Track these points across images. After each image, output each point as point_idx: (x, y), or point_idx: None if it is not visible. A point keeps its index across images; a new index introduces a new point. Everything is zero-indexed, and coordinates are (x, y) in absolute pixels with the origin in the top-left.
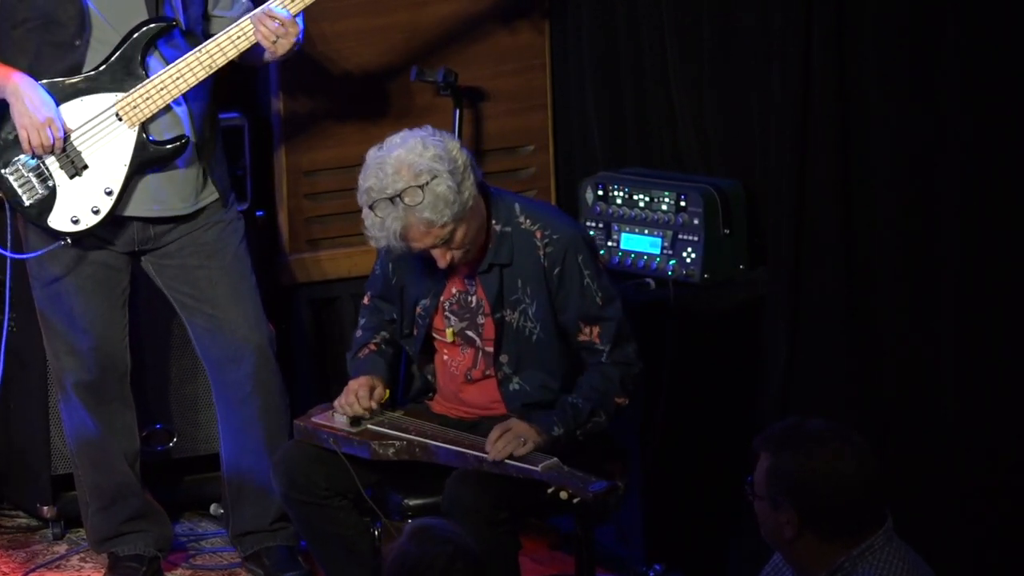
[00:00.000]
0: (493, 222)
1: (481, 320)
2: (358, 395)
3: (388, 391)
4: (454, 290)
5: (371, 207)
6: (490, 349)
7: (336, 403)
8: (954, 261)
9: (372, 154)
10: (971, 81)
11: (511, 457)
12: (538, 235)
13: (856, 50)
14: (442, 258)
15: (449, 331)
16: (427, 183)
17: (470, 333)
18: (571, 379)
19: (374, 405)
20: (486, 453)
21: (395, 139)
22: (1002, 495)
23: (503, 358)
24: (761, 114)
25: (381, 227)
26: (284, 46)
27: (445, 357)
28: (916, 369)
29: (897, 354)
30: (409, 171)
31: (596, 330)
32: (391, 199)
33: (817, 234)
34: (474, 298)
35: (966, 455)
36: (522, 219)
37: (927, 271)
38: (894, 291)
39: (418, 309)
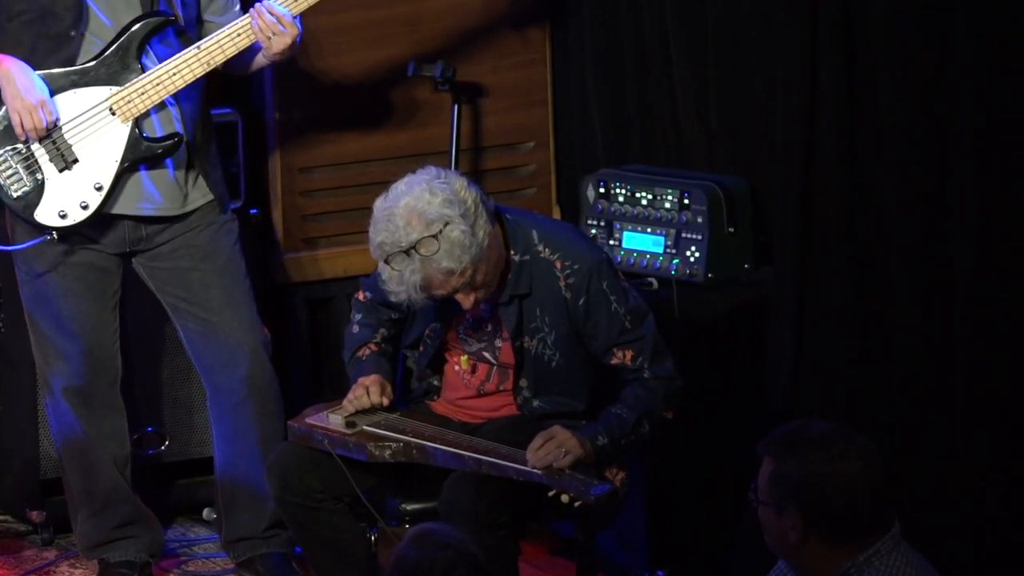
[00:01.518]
0: (511, 252)
1: (499, 344)
2: (369, 390)
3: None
4: (468, 316)
5: (387, 261)
6: (506, 368)
7: (345, 400)
8: (965, 260)
9: (379, 205)
10: (983, 76)
11: (551, 469)
12: (558, 265)
13: (864, 44)
14: (466, 300)
15: (463, 358)
16: (440, 231)
17: (486, 355)
18: (594, 400)
19: (385, 401)
20: (483, 456)
21: (400, 186)
22: (1013, 499)
23: (523, 383)
24: (767, 109)
25: (400, 280)
26: (279, 44)
27: (456, 368)
28: (925, 371)
29: (906, 356)
30: (420, 220)
31: (629, 353)
32: (406, 252)
33: (824, 233)
34: (490, 323)
35: (976, 458)
36: (540, 247)
37: (937, 271)
38: (903, 291)
39: (427, 331)
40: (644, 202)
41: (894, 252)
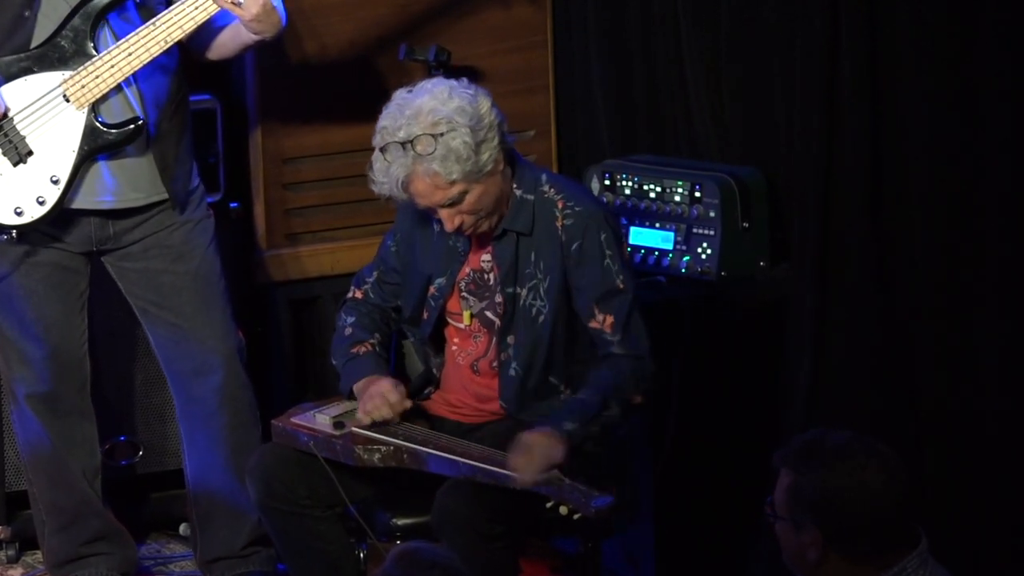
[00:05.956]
0: (515, 186)
1: (499, 299)
2: (390, 400)
3: None
4: (469, 269)
5: (382, 149)
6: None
7: (360, 412)
8: (995, 259)
9: (398, 94)
10: (1016, 64)
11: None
12: (560, 204)
13: (888, 23)
14: (449, 220)
15: (466, 313)
16: (442, 133)
17: (489, 314)
18: (570, 371)
19: (396, 419)
20: (478, 463)
21: (426, 84)
22: None
23: (509, 339)
24: (784, 95)
25: (387, 172)
26: (251, 7)
27: (454, 347)
28: (953, 376)
29: (932, 359)
30: (428, 118)
31: (610, 319)
32: (403, 144)
33: (845, 228)
34: (491, 275)
35: (1008, 470)
36: (546, 188)
37: (966, 269)
38: (929, 290)
39: (431, 289)
40: (652, 195)
41: (919, 249)
